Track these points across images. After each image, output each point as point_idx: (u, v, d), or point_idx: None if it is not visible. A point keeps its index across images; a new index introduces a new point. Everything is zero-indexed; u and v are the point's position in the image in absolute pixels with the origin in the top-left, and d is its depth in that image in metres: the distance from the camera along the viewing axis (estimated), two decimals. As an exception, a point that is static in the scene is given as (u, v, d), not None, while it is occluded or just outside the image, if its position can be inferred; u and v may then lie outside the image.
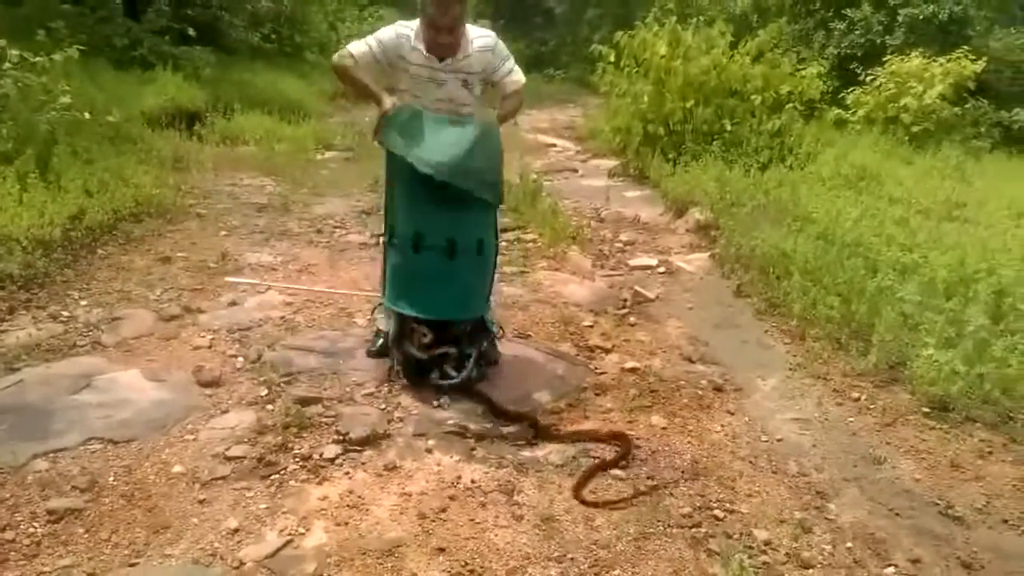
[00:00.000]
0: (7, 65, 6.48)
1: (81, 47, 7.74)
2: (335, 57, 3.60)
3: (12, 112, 6.30)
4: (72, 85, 7.15)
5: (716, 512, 2.93)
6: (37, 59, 6.72)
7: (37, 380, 3.60)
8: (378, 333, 4.11)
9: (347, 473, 3.05)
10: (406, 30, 3.46)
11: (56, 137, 6.49)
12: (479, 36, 3.51)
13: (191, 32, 12.88)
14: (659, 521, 2.85)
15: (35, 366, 3.74)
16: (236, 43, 15.56)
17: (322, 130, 11.59)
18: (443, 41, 3.36)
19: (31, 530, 2.61)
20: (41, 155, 6.12)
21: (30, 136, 6.21)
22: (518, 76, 3.64)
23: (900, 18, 13.87)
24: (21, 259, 4.71)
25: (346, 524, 2.73)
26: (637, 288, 5.45)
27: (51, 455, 3.03)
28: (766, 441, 3.51)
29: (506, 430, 3.42)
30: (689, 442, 3.45)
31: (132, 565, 2.47)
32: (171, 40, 12.60)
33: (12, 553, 2.49)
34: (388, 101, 3.49)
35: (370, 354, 4.06)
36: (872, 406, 3.88)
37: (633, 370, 4.15)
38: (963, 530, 2.93)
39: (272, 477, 2.99)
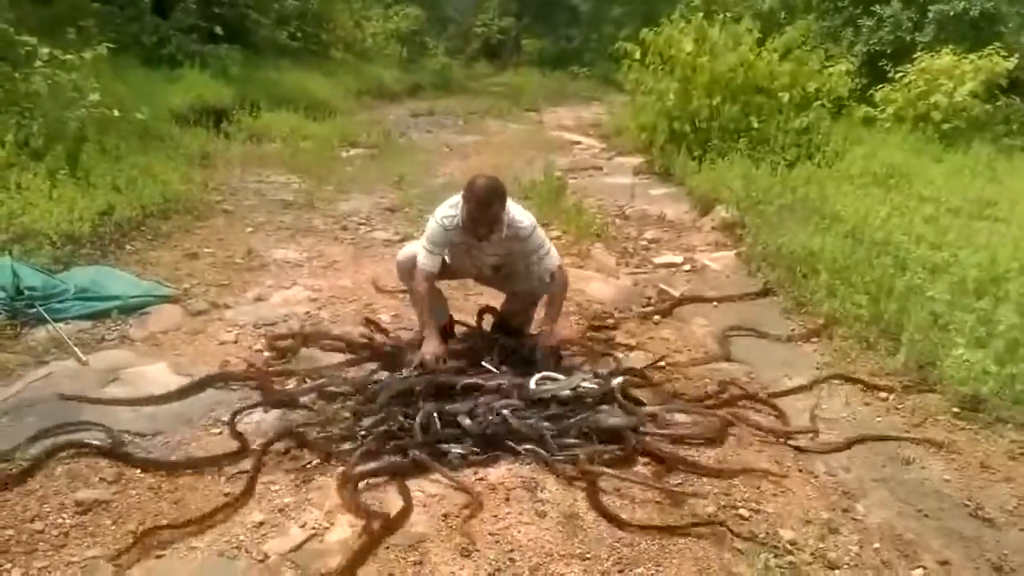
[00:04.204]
0: (38, 63, 6.58)
1: (110, 45, 7.86)
2: (423, 268, 3.72)
3: (42, 109, 6.40)
4: (101, 83, 7.25)
5: (742, 511, 2.90)
6: (67, 57, 6.82)
7: (66, 374, 3.65)
8: None
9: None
10: (451, 220, 3.67)
11: (85, 134, 6.59)
12: (516, 222, 3.71)
13: (218, 30, 13.03)
14: (684, 520, 2.82)
15: (64, 359, 3.79)
16: (263, 41, 15.70)
17: (347, 127, 11.67)
18: (481, 231, 3.64)
19: (59, 521, 2.64)
20: (71, 152, 6.22)
21: (60, 133, 6.30)
22: (551, 261, 3.82)
23: (930, 14, 13.65)
24: (51, 254, 4.77)
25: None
26: (662, 286, 5.42)
27: (80, 447, 3.06)
28: (792, 440, 3.47)
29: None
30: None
31: (158, 557, 2.49)
32: (199, 38, 12.75)
33: (41, 543, 2.52)
34: (429, 347, 3.66)
35: None
36: (901, 406, 3.83)
37: (658, 368, 4.12)
38: (993, 532, 2.88)
39: (297, 471, 3.00)
